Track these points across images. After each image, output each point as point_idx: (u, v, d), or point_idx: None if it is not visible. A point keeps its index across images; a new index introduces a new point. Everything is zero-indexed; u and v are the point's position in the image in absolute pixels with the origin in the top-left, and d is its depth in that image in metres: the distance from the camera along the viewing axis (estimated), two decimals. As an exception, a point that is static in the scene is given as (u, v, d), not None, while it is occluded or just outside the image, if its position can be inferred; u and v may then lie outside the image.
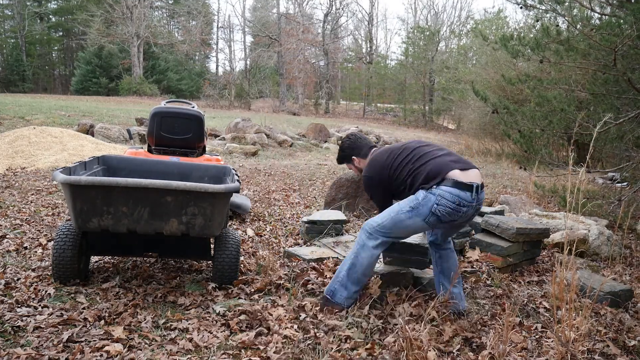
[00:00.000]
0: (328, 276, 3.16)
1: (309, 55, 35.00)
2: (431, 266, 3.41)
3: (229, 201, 3.02)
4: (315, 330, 2.40)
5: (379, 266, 3.04)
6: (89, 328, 2.29)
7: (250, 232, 4.36)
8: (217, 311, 2.56)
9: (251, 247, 3.86)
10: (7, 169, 6.76)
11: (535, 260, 3.91)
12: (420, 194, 2.47)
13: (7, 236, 3.68)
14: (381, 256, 3.03)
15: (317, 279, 3.09)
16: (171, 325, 2.40)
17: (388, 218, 2.54)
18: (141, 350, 2.14)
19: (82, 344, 2.13)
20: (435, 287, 2.90)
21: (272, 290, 2.91)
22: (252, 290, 2.88)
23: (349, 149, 2.89)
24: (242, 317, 2.48)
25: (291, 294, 2.87)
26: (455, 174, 2.44)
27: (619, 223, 4.60)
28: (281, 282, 3.03)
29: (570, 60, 5.52)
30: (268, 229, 4.57)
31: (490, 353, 2.17)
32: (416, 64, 31.25)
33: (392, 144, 15.53)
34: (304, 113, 29.77)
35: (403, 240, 2.94)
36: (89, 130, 10.95)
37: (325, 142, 14.55)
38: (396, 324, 2.47)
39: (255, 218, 5.00)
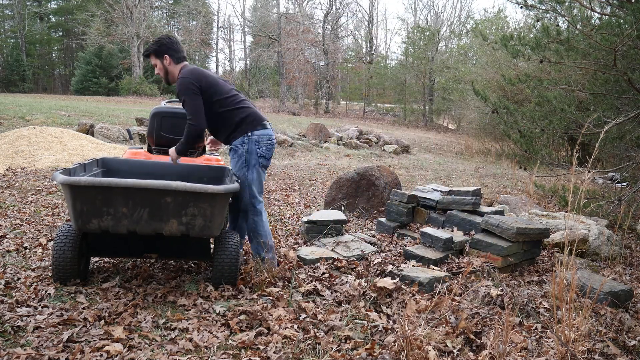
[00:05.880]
0: (329, 276, 3.17)
1: (309, 55, 35.00)
2: (432, 265, 3.43)
3: (229, 202, 3.01)
4: (315, 330, 2.40)
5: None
6: (89, 328, 2.29)
7: (250, 232, 4.36)
8: (217, 311, 2.56)
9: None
10: (7, 169, 6.76)
11: (535, 260, 3.91)
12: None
13: (7, 236, 3.68)
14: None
15: (316, 278, 3.09)
16: (171, 325, 2.40)
17: None
18: (141, 350, 2.14)
19: (82, 344, 2.13)
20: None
21: (272, 291, 2.91)
22: (252, 290, 2.88)
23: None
24: (242, 317, 2.49)
25: (291, 293, 2.87)
26: None
27: (619, 223, 4.60)
28: (281, 282, 3.03)
29: (570, 60, 5.51)
30: (268, 229, 4.56)
31: (490, 353, 2.16)
32: (416, 64, 31.22)
33: (392, 143, 15.18)
34: (304, 113, 29.75)
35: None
36: (89, 130, 10.94)
37: (325, 142, 14.54)
38: (396, 324, 2.47)
39: (255, 218, 4.99)
